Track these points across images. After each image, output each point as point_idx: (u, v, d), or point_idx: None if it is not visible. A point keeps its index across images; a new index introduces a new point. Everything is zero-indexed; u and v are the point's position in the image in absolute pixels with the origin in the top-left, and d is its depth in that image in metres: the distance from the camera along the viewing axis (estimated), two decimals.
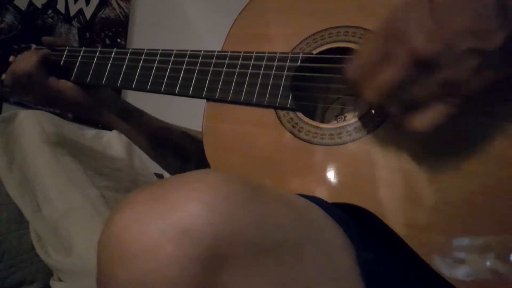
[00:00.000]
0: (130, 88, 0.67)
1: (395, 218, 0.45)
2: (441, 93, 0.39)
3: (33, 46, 0.78)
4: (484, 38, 0.37)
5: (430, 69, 0.38)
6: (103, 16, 1.52)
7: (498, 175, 0.43)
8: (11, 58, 0.79)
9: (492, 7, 0.37)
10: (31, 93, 0.73)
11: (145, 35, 1.48)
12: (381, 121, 0.49)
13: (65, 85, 0.72)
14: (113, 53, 0.69)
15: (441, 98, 0.39)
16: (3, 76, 0.74)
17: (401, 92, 0.40)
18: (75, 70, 0.72)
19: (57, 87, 0.71)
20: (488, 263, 0.41)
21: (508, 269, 0.40)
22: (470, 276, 0.41)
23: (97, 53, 0.71)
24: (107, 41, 1.52)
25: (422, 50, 0.38)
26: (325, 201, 0.47)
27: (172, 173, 0.83)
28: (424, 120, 0.40)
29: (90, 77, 0.70)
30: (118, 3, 1.49)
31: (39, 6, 1.59)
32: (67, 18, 1.57)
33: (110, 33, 1.52)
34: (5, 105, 1.64)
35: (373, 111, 0.50)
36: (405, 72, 0.39)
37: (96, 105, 0.75)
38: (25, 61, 0.70)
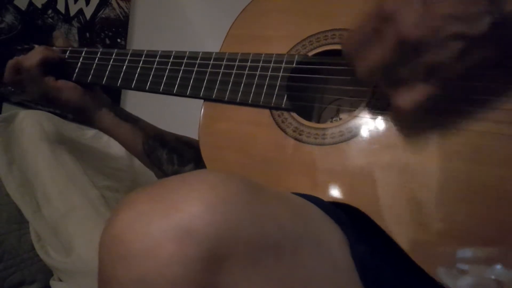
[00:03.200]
0: (130, 88, 0.68)
1: (388, 218, 0.45)
2: (425, 74, 0.40)
3: (36, 46, 0.78)
4: (470, 23, 0.37)
5: (415, 51, 0.39)
6: (103, 16, 1.52)
7: (496, 175, 0.43)
8: (14, 58, 0.79)
9: None
10: (28, 90, 0.73)
11: (145, 35, 1.48)
12: (377, 122, 0.49)
13: (63, 85, 0.72)
14: (113, 54, 0.70)
15: (424, 79, 0.40)
16: (4, 80, 0.74)
17: (388, 70, 0.42)
18: (76, 70, 0.73)
19: (54, 86, 0.72)
20: (486, 270, 0.41)
21: (507, 278, 0.40)
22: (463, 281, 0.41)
23: (99, 53, 0.72)
24: (107, 41, 1.52)
25: (408, 32, 0.39)
26: (322, 200, 0.47)
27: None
28: (406, 98, 0.42)
29: (91, 77, 0.71)
30: (118, 3, 1.49)
31: (39, 6, 1.59)
32: (67, 18, 1.57)
33: (110, 33, 1.52)
34: (5, 105, 1.64)
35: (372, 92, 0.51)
36: (391, 52, 0.40)
37: (92, 107, 0.75)
38: (28, 57, 0.71)
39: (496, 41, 0.39)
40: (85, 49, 0.73)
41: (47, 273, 0.79)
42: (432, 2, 0.38)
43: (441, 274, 0.41)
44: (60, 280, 0.76)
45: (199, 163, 0.58)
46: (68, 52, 0.75)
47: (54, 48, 0.75)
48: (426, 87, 0.41)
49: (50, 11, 1.59)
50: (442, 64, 0.39)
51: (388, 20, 0.40)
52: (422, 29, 0.39)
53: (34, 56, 0.71)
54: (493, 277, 0.40)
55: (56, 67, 0.73)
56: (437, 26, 0.38)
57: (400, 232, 0.44)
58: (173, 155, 0.78)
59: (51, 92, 0.72)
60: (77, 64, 0.73)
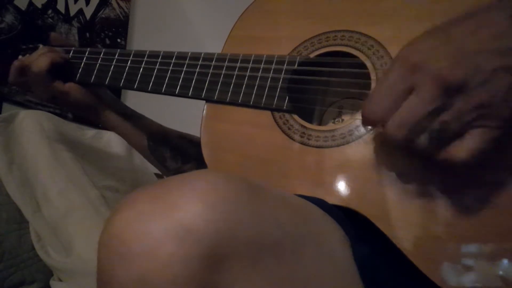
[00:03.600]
0: (132, 89, 0.68)
1: (387, 221, 0.45)
2: (478, 117, 0.37)
3: (41, 46, 0.78)
4: (509, 55, 0.36)
5: (460, 93, 0.37)
6: (103, 16, 1.52)
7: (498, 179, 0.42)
8: (19, 58, 0.79)
9: (506, 24, 0.36)
10: (36, 92, 0.74)
11: (145, 35, 1.48)
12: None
13: (71, 87, 0.73)
14: (116, 54, 0.70)
15: (479, 123, 0.37)
16: (9, 82, 0.75)
17: (429, 123, 0.38)
18: (80, 70, 0.73)
19: (62, 89, 0.73)
20: (486, 274, 0.41)
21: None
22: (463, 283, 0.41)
23: (101, 54, 0.72)
24: (107, 41, 1.52)
25: (449, 74, 0.36)
26: (322, 200, 0.47)
27: (170, 175, 0.83)
28: (464, 148, 0.38)
29: (94, 77, 0.71)
30: (118, 3, 1.49)
31: (39, 6, 1.59)
32: (67, 18, 1.57)
33: (110, 33, 1.52)
34: (5, 105, 1.64)
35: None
36: (432, 100, 0.37)
37: (98, 105, 0.76)
38: (37, 63, 0.71)
39: None
40: (88, 49, 0.73)
41: (47, 273, 0.79)
42: (463, 42, 0.37)
43: (440, 277, 0.41)
44: (60, 280, 0.76)
45: (202, 161, 0.58)
46: (71, 52, 0.75)
47: (57, 48, 0.75)
48: (486, 130, 0.37)
49: (50, 11, 1.59)
50: (494, 100, 0.36)
51: (420, 69, 0.37)
52: (463, 68, 0.36)
53: (43, 61, 0.71)
54: (492, 277, 0.40)
55: (60, 68, 0.73)
56: (477, 63, 0.36)
57: (401, 235, 0.44)
58: (176, 153, 0.78)
59: (60, 95, 0.73)
60: (80, 64, 0.73)
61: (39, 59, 0.71)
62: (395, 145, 0.40)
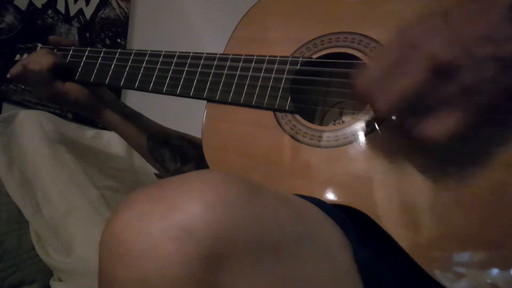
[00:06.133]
0: (133, 88, 0.68)
1: (390, 220, 0.45)
2: (460, 100, 0.38)
3: (39, 45, 0.78)
4: (502, 44, 0.36)
5: (449, 76, 0.37)
6: (103, 16, 1.52)
7: (497, 178, 0.43)
8: (17, 57, 0.79)
9: (505, 14, 0.36)
10: (35, 92, 0.74)
11: (145, 35, 1.48)
12: (379, 125, 0.49)
13: (71, 87, 0.73)
14: (117, 54, 0.70)
15: (459, 105, 0.38)
16: (8, 75, 0.75)
17: (416, 101, 0.39)
18: (79, 70, 0.73)
19: (62, 90, 0.73)
20: (487, 272, 0.40)
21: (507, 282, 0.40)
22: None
23: (102, 53, 0.71)
24: (107, 41, 1.52)
25: (441, 55, 0.37)
26: (323, 201, 0.47)
27: (169, 176, 0.83)
28: (440, 128, 0.39)
29: (94, 77, 0.71)
30: (118, 3, 1.49)
31: (39, 6, 1.59)
32: (67, 18, 1.57)
33: (110, 33, 1.52)
34: (5, 105, 1.64)
35: (377, 127, 0.49)
36: (423, 79, 0.38)
37: (98, 105, 0.76)
38: (38, 62, 0.71)
39: None
40: (88, 48, 0.73)
41: (47, 273, 0.79)
42: (460, 26, 0.37)
43: (443, 275, 0.41)
44: (60, 280, 0.76)
45: (201, 162, 0.58)
46: (71, 51, 0.75)
47: (57, 53, 0.75)
48: (464, 113, 0.38)
49: (50, 11, 1.59)
50: (480, 87, 0.37)
51: (415, 47, 0.38)
52: (456, 51, 0.37)
53: (45, 60, 0.71)
54: (493, 279, 0.40)
55: (62, 68, 0.73)
56: (470, 48, 0.37)
57: (403, 234, 0.44)
58: (176, 153, 0.78)
59: (60, 95, 0.73)
60: (80, 63, 0.73)
61: (41, 59, 0.71)
62: (380, 118, 0.41)
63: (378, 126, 0.49)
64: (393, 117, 0.42)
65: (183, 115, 0.99)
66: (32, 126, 0.86)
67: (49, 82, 0.72)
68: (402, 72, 0.39)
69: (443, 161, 0.45)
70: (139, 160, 1.00)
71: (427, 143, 0.40)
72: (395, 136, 0.47)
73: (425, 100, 0.39)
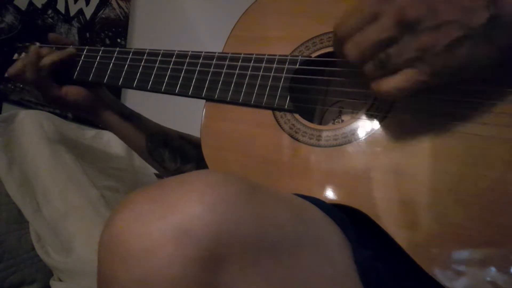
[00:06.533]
0: (131, 87, 0.67)
1: (389, 220, 0.45)
2: (416, 58, 0.40)
3: (37, 43, 0.78)
4: (469, 14, 0.38)
5: (411, 31, 0.39)
6: (103, 16, 1.52)
7: (494, 177, 0.43)
8: (15, 56, 0.79)
9: None
10: (33, 91, 0.74)
11: (145, 35, 1.48)
12: (379, 124, 0.49)
13: (69, 90, 0.73)
14: (115, 53, 0.70)
15: (414, 63, 0.40)
16: (7, 74, 0.74)
17: (379, 50, 0.41)
18: (77, 68, 0.72)
19: (60, 95, 0.72)
20: (486, 271, 0.40)
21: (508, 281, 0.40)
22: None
23: (100, 52, 0.71)
24: (107, 41, 1.52)
25: (407, 9, 0.39)
26: (322, 201, 0.47)
27: (169, 176, 0.83)
28: (391, 83, 0.41)
29: (92, 76, 0.71)
30: (118, 3, 1.49)
31: (39, 6, 1.59)
32: (67, 18, 1.57)
33: (110, 33, 1.52)
34: (5, 105, 1.64)
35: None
36: (386, 30, 0.40)
37: (97, 106, 0.76)
38: (35, 62, 0.70)
39: (490, 39, 0.38)
40: (87, 47, 0.73)
41: (47, 273, 0.79)
42: None
43: (442, 275, 0.41)
44: (60, 280, 0.76)
45: (201, 162, 0.58)
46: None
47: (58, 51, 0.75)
48: (416, 71, 0.40)
49: (50, 11, 1.59)
50: (435, 47, 0.39)
51: (386, 2, 0.40)
52: (421, 8, 0.38)
53: (46, 59, 0.70)
54: (493, 278, 0.40)
55: (63, 65, 0.72)
56: (437, 8, 0.38)
57: (403, 234, 0.44)
58: (175, 153, 0.78)
59: (58, 98, 0.73)
60: (78, 62, 0.72)
61: (39, 57, 0.71)
62: (348, 63, 0.44)
63: (378, 125, 0.49)
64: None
65: (182, 114, 0.99)
66: (32, 126, 0.86)
67: (47, 84, 0.71)
68: (372, 22, 0.41)
69: (442, 160, 0.45)
70: (139, 160, 1.00)
71: (384, 97, 0.42)
72: (390, 136, 0.48)
73: (386, 53, 0.41)
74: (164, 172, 0.81)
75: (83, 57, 0.72)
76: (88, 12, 1.54)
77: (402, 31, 0.39)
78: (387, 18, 0.40)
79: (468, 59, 0.39)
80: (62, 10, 1.57)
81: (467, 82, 0.44)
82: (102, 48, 0.72)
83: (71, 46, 0.75)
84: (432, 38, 0.39)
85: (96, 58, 0.71)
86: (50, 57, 0.71)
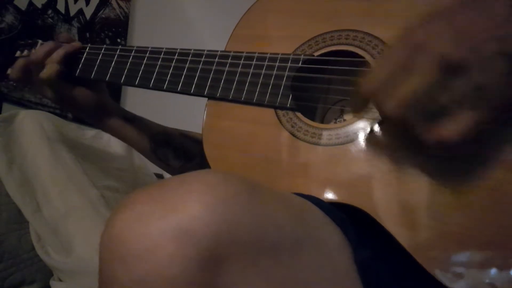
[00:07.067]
0: (134, 85, 0.67)
1: (390, 219, 0.45)
2: (472, 99, 0.37)
3: (39, 41, 0.78)
4: (508, 40, 0.36)
5: (459, 74, 0.37)
6: (103, 16, 1.52)
7: (498, 177, 0.42)
8: (18, 53, 0.79)
9: (506, 12, 0.36)
10: (37, 89, 0.73)
11: (145, 35, 1.48)
12: (380, 124, 0.49)
13: (80, 92, 0.72)
14: (118, 50, 0.70)
15: (472, 104, 0.37)
16: (9, 71, 0.74)
17: (427, 101, 0.38)
18: (80, 66, 0.72)
19: (71, 95, 0.71)
20: (487, 272, 0.40)
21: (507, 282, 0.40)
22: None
23: (102, 50, 0.71)
24: (107, 41, 1.52)
25: (449, 53, 0.36)
26: (322, 201, 0.47)
27: (176, 174, 0.83)
28: (455, 128, 0.37)
29: (95, 73, 0.70)
30: (118, 3, 1.49)
31: (39, 6, 1.59)
32: (67, 18, 1.57)
33: (110, 33, 1.52)
34: (5, 105, 1.64)
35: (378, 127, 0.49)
36: (432, 79, 0.37)
37: (101, 112, 0.75)
38: (45, 56, 0.69)
39: None
40: (89, 45, 0.73)
41: (47, 273, 0.79)
42: (464, 26, 0.37)
43: (443, 274, 0.41)
44: (60, 280, 0.76)
45: (204, 158, 0.58)
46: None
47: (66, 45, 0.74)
48: (474, 113, 0.37)
49: (50, 11, 1.59)
50: (491, 84, 0.36)
51: (422, 47, 0.38)
52: (463, 49, 0.36)
53: (56, 55, 0.69)
54: (494, 278, 0.40)
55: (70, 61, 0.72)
56: (477, 46, 0.36)
57: (404, 233, 0.44)
58: (179, 152, 0.78)
59: (68, 99, 0.72)
60: (81, 60, 0.72)
61: (54, 54, 0.70)
62: (387, 121, 0.40)
63: (379, 126, 0.49)
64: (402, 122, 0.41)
65: (184, 113, 0.99)
66: (32, 126, 0.86)
67: (58, 82, 0.70)
68: (410, 73, 0.38)
69: (444, 160, 0.45)
70: (139, 160, 1.00)
71: (440, 147, 0.39)
72: (403, 141, 0.46)
73: (436, 102, 0.37)
74: (170, 170, 0.81)
75: (86, 54, 0.72)
76: (88, 12, 1.54)
77: (448, 76, 0.37)
78: (425, 64, 0.37)
79: None
80: (62, 10, 1.57)
81: None
82: (105, 46, 0.71)
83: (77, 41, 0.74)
84: (485, 76, 0.36)
85: (99, 56, 0.71)
86: (61, 50, 0.70)
